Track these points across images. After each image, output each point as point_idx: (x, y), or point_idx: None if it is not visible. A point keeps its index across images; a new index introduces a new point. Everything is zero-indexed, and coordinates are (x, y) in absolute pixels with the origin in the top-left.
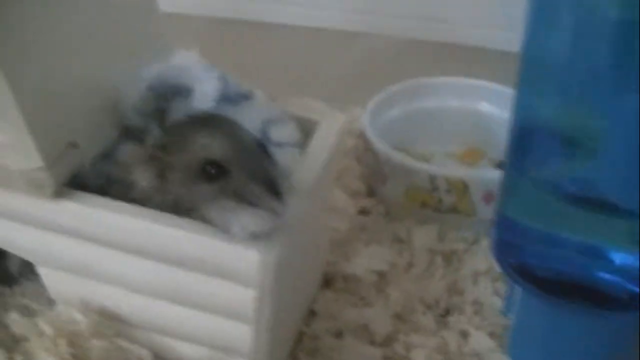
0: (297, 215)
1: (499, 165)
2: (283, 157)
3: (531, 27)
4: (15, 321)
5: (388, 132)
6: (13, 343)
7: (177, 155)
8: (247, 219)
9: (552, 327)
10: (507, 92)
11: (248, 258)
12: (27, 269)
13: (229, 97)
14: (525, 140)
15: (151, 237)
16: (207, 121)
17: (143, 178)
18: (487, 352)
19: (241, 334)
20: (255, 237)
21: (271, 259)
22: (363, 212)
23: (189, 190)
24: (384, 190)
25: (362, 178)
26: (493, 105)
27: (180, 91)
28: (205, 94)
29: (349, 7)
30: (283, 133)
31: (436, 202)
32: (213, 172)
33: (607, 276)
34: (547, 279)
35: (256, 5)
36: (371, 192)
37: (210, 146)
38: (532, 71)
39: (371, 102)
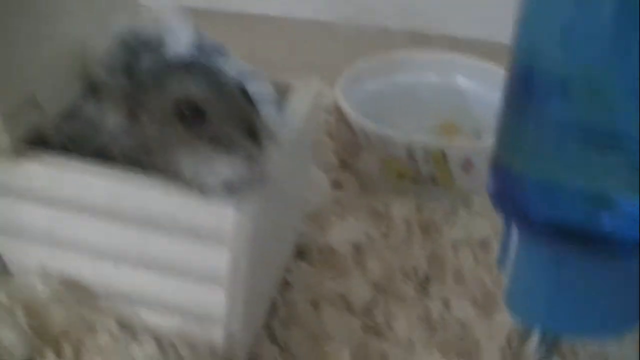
0: (276, 171)
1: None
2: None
3: None
4: None
5: (362, 105)
6: None
7: (151, 94)
8: (222, 166)
9: (554, 276)
10: (484, 66)
11: (223, 215)
12: None
13: (203, 49)
14: (525, 81)
15: (119, 198)
16: (186, 64)
17: (112, 117)
18: (470, 320)
19: (215, 298)
20: (229, 188)
21: (248, 216)
22: (337, 185)
23: (161, 132)
24: (358, 162)
25: (334, 152)
26: (469, 79)
27: (151, 43)
28: (178, 45)
29: None
30: (259, 89)
31: (414, 173)
32: (188, 113)
33: (611, 222)
34: (548, 228)
35: None
36: (344, 166)
37: (187, 86)
38: (532, 15)
39: (345, 73)
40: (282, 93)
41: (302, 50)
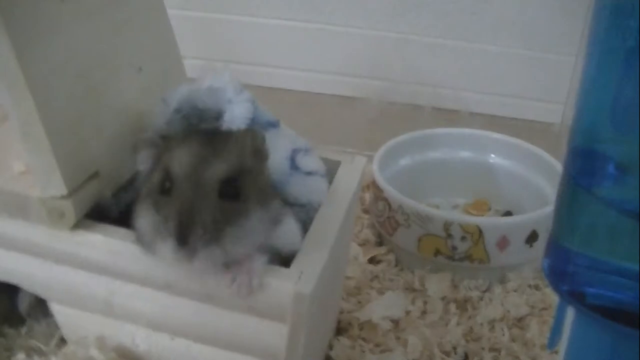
0: (328, 250)
1: (506, 215)
2: (315, 185)
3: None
4: None
5: (395, 181)
6: None
7: (167, 151)
8: (158, 249)
9: (609, 356)
10: (516, 144)
11: (282, 291)
12: (36, 310)
13: (259, 123)
14: (582, 162)
15: (177, 272)
16: (213, 134)
17: (142, 161)
18: None
19: None
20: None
21: (306, 292)
22: (373, 261)
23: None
24: (395, 239)
25: (370, 227)
26: (500, 157)
27: (209, 114)
28: (236, 118)
29: (346, 72)
30: (311, 162)
31: (450, 250)
32: (163, 184)
33: None
34: (603, 308)
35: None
36: (381, 242)
37: (177, 156)
38: (590, 99)
39: (379, 151)
40: (330, 168)
41: (328, 126)
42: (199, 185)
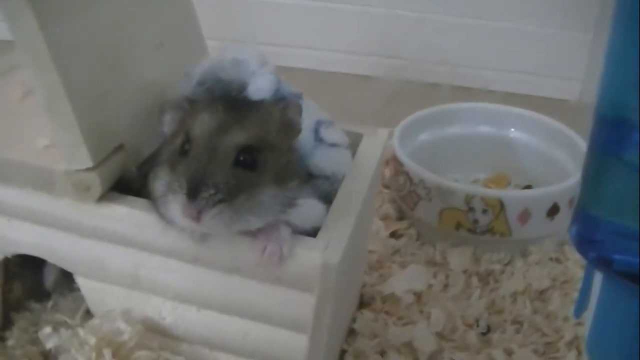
0: (353, 220)
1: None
2: (339, 157)
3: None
4: (49, 336)
5: (415, 156)
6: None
7: (192, 114)
8: (167, 206)
9: (637, 322)
10: (536, 118)
11: (310, 262)
12: (62, 284)
13: (282, 95)
14: (609, 131)
15: (205, 245)
16: (242, 102)
17: (167, 124)
18: None
19: (296, 345)
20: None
21: (333, 263)
22: (395, 235)
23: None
24: (416, 213)
25: (391, 202)
26: (520, 131)
27: (233, 86)
28: (259, 90)
29: (363, 51)
30: (335, 134)
31: (471, 223)
32: (182, 145)
33: None
34: (631, 274)
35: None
36: (402, 216)
37: (195, 122)
38: (616, 68)
39: (399, 126)
40: (353, 141)
41: (346, 105)
42: (215, 149)
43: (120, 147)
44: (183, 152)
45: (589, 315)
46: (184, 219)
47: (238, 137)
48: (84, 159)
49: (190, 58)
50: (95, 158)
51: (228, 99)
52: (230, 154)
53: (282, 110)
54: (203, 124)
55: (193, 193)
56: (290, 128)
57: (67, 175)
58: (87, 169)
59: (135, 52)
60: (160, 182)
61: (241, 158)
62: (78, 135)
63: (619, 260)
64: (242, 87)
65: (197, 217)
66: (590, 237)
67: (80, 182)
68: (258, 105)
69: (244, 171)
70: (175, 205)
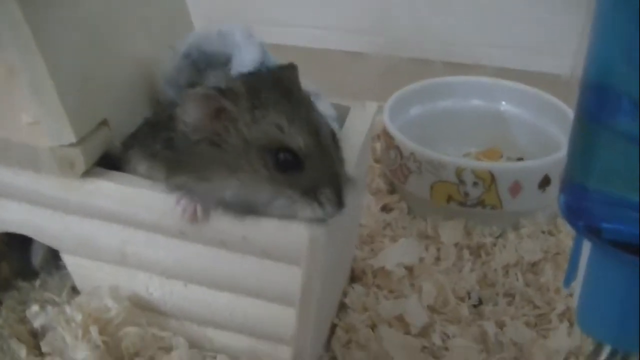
0: None
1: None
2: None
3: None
4: (37, 315)
5: (406, 131)
6: (33, 338)
7: (247, 114)
8: (308, 214)
9: (625, 292)
10: (527, 92)
11: (297, 235)
12: (49, 262)
13: (267, 66)
14: (596, 99)
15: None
16: (285, 89)
17: (193, 113)
18: (526, 341)
19: (285, 319)
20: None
21: (320, 236)
22: (386, 209)
23: (248, 156)
24: (407, 186)
25: (382, 176)
26: (511, 105)
27: (218, 58)
28: (244, 61)
29: (354, 28)
30: (322, 106)
31: (462, 196)
32: (287, 161)
33: None
34: (619, 243)
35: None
36: (393, 190)
37: (289, 132)
38: (603, 37)
39: (390, 100)
40: (341, 114)
41: (337, 82)
42: (328, 148)
43: (104, 123)
44: (286, 165)
45: (578, 285)
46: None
47: (324, 120)
48: (68, 135)
49: (175, 34)
50: (79, 134)
51: (265, 81)
52: (333, 143)
53: (296, 76)
54: (303, 136)
55: (342, 200)
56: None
57: (51, 152)
58: (71, 145)
59: (120, 28)
60: (282, 198)
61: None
62: (61, 111)
63: (608, 229)
64: (227, 59)
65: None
66: (578, 207)
67: (64, 158)
68: (287, 78)
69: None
70: (322, 212)
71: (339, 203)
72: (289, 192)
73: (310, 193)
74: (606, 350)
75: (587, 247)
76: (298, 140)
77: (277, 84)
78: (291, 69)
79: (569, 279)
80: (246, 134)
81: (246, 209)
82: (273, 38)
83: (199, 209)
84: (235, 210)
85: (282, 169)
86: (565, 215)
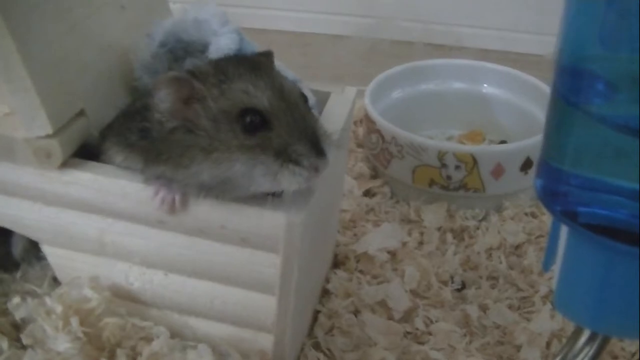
0: (320, 179)
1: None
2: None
3: None
4: (18, 306)
5: (388, 115)
6: (15, 330)
7: (215, 89)
8: (289, 179)
9: (602, 275)
10: (510, 73)
11: (275, 222)
12: (30, 253)
13: (245, 53)
14: (570, 82)
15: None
16: (253, 64)
17: (165, 99)
18: (509, 323)
19: (265, 307)
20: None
21: (299, 222)
22: (368, 194)
23: (219, 133)
24: (389, 171)
25: (365, 161)
26: (493, 87)
27: (195, 46)
28: (221, 49)
29: (336, 10)
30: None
31: (445, 180)
32: (254, 122)
33: None
34: (596, 226)
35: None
36: (375, 175)
37: (254, 93)
38: (576, 20)
39: (371, 84)
40: (320, 100)
41: (319, 65)
42: (295, 105)
43: (81, 113)
44: (254, 127)
45: (556, 268)
46: (313, 177)
47: (293, 84)
48: (44, 126)
49: (152, 20)
50: (55, 124)
51: (234, 61)
52: (302, 101)
53: (271, 61)
54: (265, 94)
55: (321, 150)
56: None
57: (27, 143)
58: (47, 136)
59: (96, 14)
60: (257, 164)
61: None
62: (36, 101)
63: (584, 213)
64: (204, 47)
65: (325, 166)
66: (554, 190)
67: (40, 149)
68: (257, 59)
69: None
70: (304, 171)
71: (318, 153)
72: (262, 156)
73: (284, 154)
74: (586, 334)
75: (564, 230)
76: (262, 99)
77: (244, 62)
78: (267, 55)
79: (547, 262)
80: (215, 110)
81: (229, 190)
82: (257, 23)
83: (177, 199)
84: (218, 195)
85: (250, 130)
86: (542, 199)
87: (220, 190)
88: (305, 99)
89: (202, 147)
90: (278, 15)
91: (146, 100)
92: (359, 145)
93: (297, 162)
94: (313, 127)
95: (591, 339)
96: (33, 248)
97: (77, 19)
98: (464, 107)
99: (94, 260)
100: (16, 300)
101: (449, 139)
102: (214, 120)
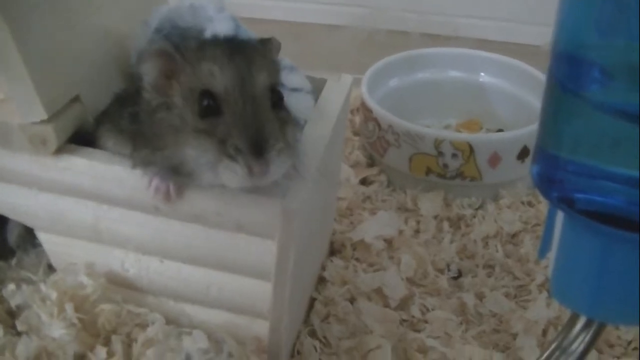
0: (316, 167)
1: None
2: (301, 101)
3: None
4: (13, 293)
5: (385, 103)
6: (10, 317)
7: (188, 67)
8: (227, 175)
9: (598, 262)
10: (507, 62)
11: (271, 209)
12: (25, 241)
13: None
14: (566, 69)
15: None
16: (236, 48)
17: (149, 71)
18: (505, 312)
19: (261, 294)
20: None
21: (294, 210)
22: (365, 182)
23: (185, 112)
24: (386, 159)
25: (361, 149)
26: (490, 75)
27: (191, 32)
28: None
29: (332, 0)
30: (296, 79)
31: (441, 168)
32: (210, 106)
33: None
34: (592, 213)
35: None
36: (372, 163)
37: (215, 75)
38: (572, 6)
39: (368, 72)
40: (316, 87)
41: (315, 55)
42: (253, 97)
43: (76, 99)
44: (208, 111)
45: (552, 256)
46: (249, 178)
47: (265, 78)
48: (38, 112)
49: (148, 7)
50: (50, 110)
51: (216, 42)
52: (266, 98)
53: (268, 49)
54: (225, 78)
55: (260, 151)
56: (276, 66)
57: (22, 129)
58: (42, 122)
59: (92, 1)
60: (197, 150)
61: (274, 99)
62: (31, 87)
63: (581, 199)
64: (200, 33)
65: (265, 172)
66: (551, 177)
67: (35, 135)
68: (249, 44)
69: (278, 112)
70: (239, 168)
71: (255, 154)
72: (206, 144)
73: (224, 146)
74: (582, 321)
75: (560, 217)
76: (221, 84)
77: (228, 44)
78: (265, 42)
79: (543, 249)
80: (184, 88)
81: (194, 179)
82: (254, 12)
83: (171, 187)
84: (189, 181)
85: (202, 113)
86: (538, 186)
87: (189, 179)
88: (277, 98)
89: (175, 127)
90: (274, 5)
91: (138, 84)
92: (356, 134)
93: (232, 158)
94: (262, 126)
95: (587, 326)
96: (28, 235)
97: (73, 7)
98: (461, 96)
99: (90, 247)
100: (11, 287)
101: (446, 127)
102: (184, 98)
